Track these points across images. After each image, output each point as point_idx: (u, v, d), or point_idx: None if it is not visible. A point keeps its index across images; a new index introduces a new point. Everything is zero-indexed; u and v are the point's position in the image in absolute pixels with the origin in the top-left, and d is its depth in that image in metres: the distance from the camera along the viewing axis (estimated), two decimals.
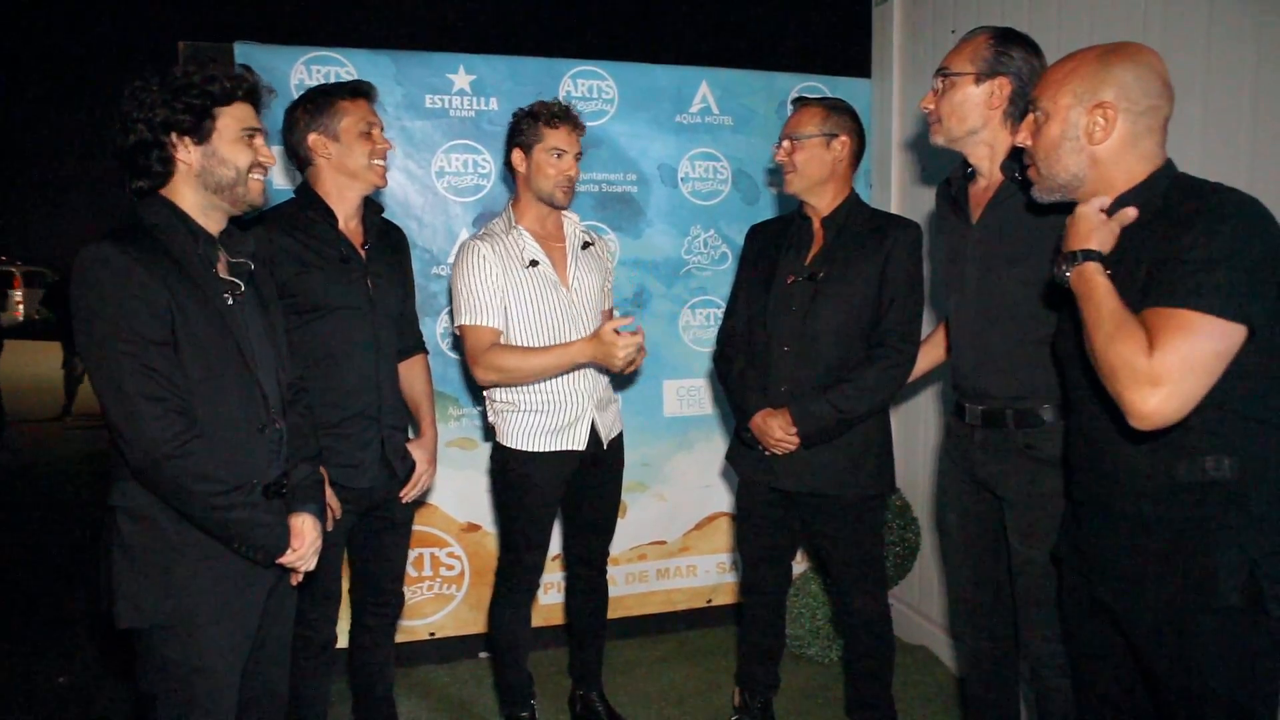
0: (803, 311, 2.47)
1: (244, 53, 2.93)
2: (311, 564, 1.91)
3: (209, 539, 1.75)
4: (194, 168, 1.77)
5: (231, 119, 1.79)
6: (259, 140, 1.84)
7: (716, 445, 3.59)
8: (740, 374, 2.60)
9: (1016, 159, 2.01)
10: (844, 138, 2.47)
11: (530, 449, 2.60)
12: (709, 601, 3.68)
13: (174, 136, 1.75)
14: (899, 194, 3.57)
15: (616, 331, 2.38)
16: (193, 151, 1.76)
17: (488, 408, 2.71)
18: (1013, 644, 2.28)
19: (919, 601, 3.55)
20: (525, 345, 2.56)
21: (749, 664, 2.85)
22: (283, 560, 1.84)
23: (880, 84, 3.63)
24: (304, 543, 1.87)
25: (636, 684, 3.28)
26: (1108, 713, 1.76)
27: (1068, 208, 1.72)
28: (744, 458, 2.64)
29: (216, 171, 1.78)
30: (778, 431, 2.44)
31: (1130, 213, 1.59)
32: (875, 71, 3.66)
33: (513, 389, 2.60)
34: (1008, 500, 2.10)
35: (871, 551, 2.58)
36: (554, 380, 2.58)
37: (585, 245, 2.71)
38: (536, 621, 3.41)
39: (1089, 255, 1.57)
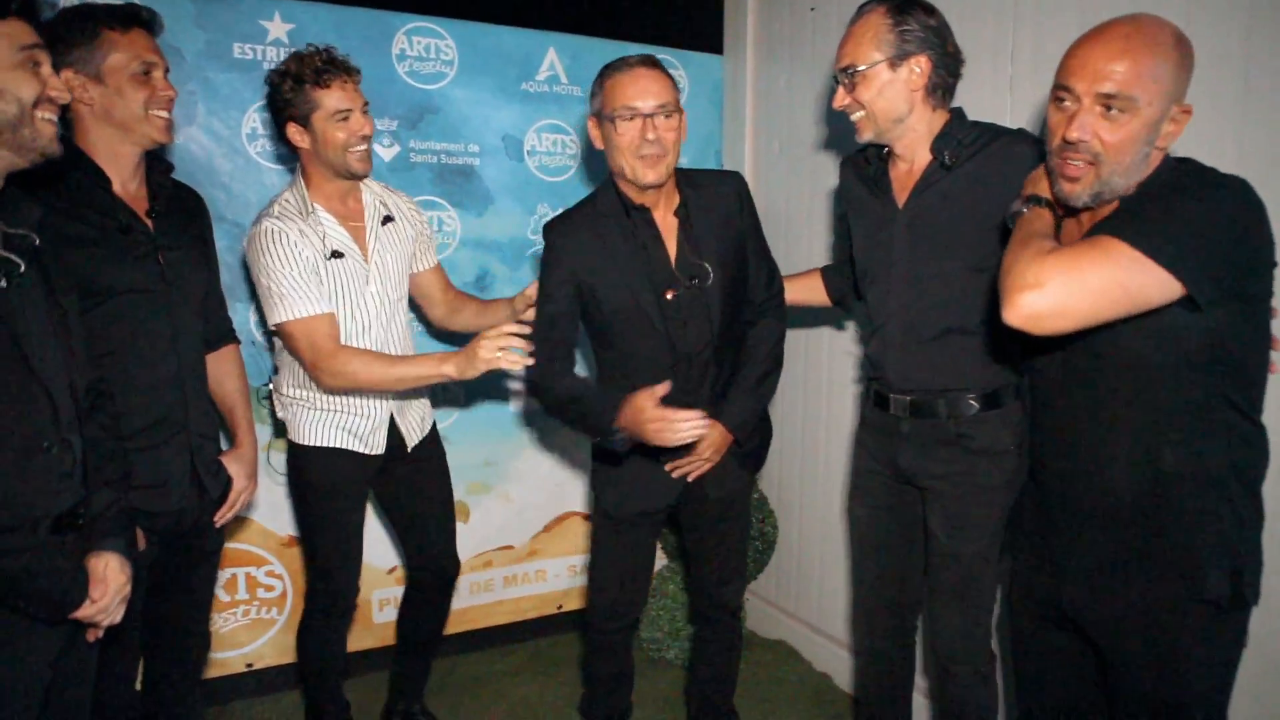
0: (704, 320, 2.14)
1: None
2: (118, 615, 1.53)
3: None
4: None
5: (4, 38, 1.37)
6: (46, 68, 1.43)
7: (566, 439, 3.35)
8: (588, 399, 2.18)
9: (945, 139, 1.90)
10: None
11: (327, 444, 2.30)
12: (560, 608, 3.45)
13: None
14: (752, 173, 3.45)
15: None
16: None
17: (274, 401, 2.38)
18: (913, 648, 2.21)
19: (776, 596, 3.47)
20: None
21: (601, 695, 2.47)
22: (79, 614, 1.46)
23: (733, 60, 3.49)
24: (107, 590, 1.50)
25: (485, 701, 3.00)
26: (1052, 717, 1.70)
27: (999, 192, 1.68)
28: (647, 487, 2.21)
29: None
30: (708, 451, 2.17)
31: None
32: (728, 47, 3.52)
33: (300, 383, 2.30)
34: (935, 492, 2.00)
35: (744, 540, 2.45)
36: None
37: (386, 220, 2.37)
38: (368, 643, 3.08)
39: (1039, 200, 1.49)
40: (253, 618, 2.92)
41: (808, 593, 3.31)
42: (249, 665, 2.94)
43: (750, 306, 2.24)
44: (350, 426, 2.33)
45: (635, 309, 2.11)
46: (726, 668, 2.53)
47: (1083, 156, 1.44)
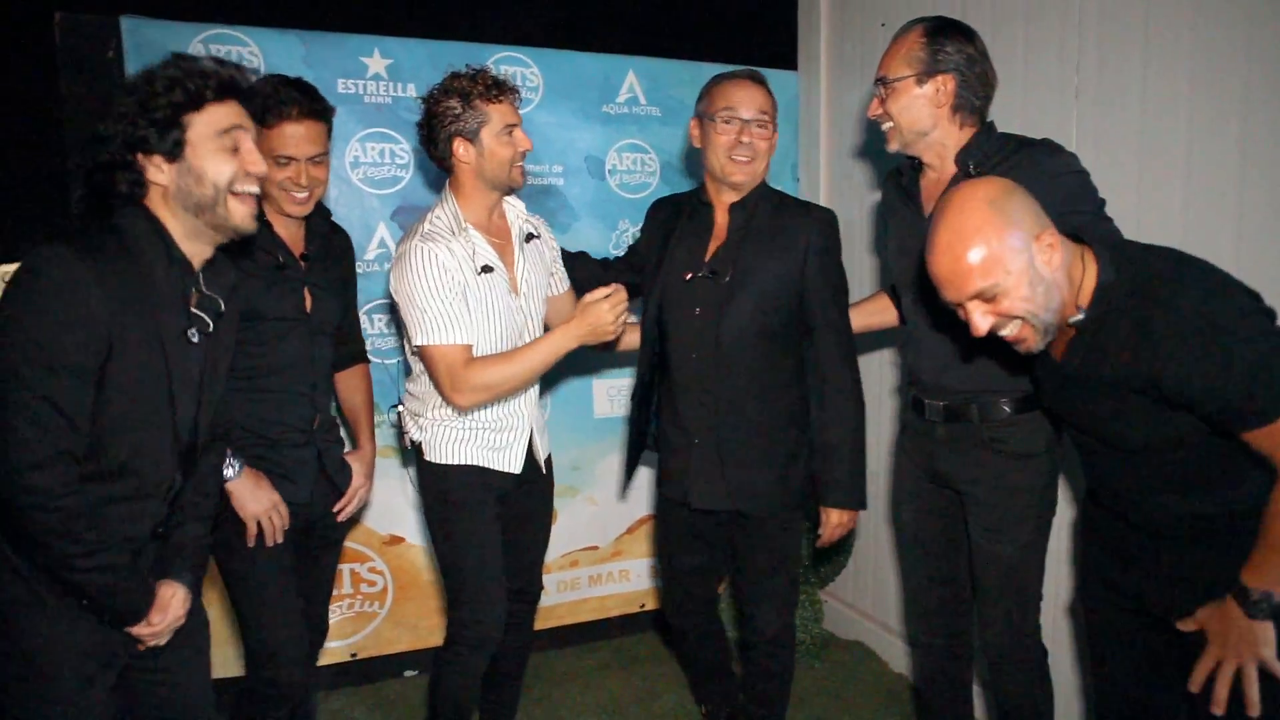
0: (712, 315, 2.24)
1: (131, 27, 2.65)
2: (164, 640, 1.66)
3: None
4: (169, 190, 1.53)
5: (205, 125, 1.53)
6: (246, 143, 1.57)
7: None
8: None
9: (971, 151, 1.98)
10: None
11: (469, 462, 2.26)
12: (642, 606, 3.58)
13: (140, 156, 1.50)
14: (827, 188, 3.54)
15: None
16: (165, 170, 1.52)
17: (407, 423, 2.33)
18: (968, 642, 2.26)
19: (853, 597, 3.54)
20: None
21: (702, 682, 2.73)
22: (135, 630, 1.60)
23: (807, 77, 3.59)
24: (165, 618, 1.64)
25: (573, 696, 3.15)
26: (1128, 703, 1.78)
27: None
28: (665, 479, 2.42)
29: (193, 191, 1.53)
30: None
31: None
32: (802, 64, 3.62)
33: (443, 402, 2.28)
34: (971, 495, 2.06)
35: (790, 566, 2.41)
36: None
37: (529, 237, 2.36)
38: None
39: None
40: (357, 611, 3.14)
41: (884, 594, 3.37)
42: (353, 655, 3.16)
43: (796, 352, 2.29)
44: (494, 443, 2.28)
45: (659, 284, 2.34)
46: (768, 694, 2.49)
47: (1015, 333, 1.57)
